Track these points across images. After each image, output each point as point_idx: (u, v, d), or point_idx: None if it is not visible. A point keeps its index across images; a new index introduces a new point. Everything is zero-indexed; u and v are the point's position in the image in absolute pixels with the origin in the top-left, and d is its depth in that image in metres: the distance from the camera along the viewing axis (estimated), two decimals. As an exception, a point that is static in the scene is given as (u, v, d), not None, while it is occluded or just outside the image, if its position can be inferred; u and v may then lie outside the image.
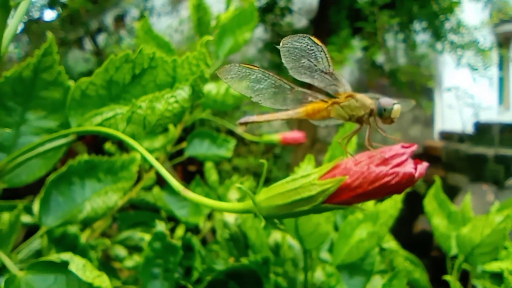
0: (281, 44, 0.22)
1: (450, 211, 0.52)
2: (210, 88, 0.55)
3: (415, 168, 0.19)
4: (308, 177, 0.20)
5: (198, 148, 0.67)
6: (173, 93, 0.22)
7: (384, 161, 0.19)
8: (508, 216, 0.38)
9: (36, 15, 3.38)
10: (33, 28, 3.46)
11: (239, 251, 0.39)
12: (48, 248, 0.36)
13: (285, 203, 0.19)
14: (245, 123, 0.26)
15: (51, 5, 3.46)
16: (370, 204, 0.45)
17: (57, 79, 0.27)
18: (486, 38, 2.62)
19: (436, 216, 0.50)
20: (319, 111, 0.25)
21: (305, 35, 0.22)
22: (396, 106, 0.23)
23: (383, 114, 0.23)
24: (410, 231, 2.02)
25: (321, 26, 2.33)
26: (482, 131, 3.09)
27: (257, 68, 0.23)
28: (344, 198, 0.19)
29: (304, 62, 0.23)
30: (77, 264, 0.20)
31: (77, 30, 3.59)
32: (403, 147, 0.20)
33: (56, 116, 0.27)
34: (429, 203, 0.51)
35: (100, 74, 0.23)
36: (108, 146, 0.65)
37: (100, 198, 0.32)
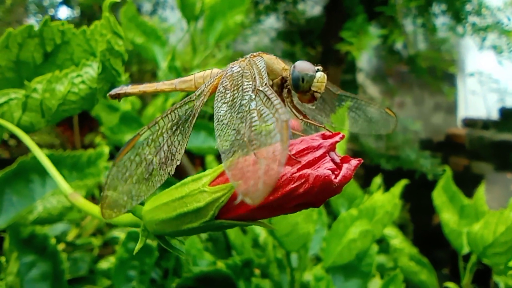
0: None
1: (463, 204, 0.47)
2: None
3: (337, 169, 0.13)
4: (199, 181, 0.15)
5: (193, 140, 0.64)
6: (79, 71, 0.18)
7: (290, 160, 0.13)
8: (525, 211, 0.33)
9: (50, 12, 3.42)
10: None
11: (220, 252, 0.35)
12: (10, 250, 0.33)
13: (170, 218, 0.15)
14: (117, 95, 0.20)
15: (66, 2, 3.49)
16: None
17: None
18: (510, 19, 2.47)
19: (446, 211, 0.45)
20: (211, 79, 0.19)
21: None
22: (319, 74, 0.16)
23: (300, 86, 0.16)
24: (429, 223, 1.94)
25: (335, 13, 2.25)
26: (508, 117, 2.95)
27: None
28: (241, 212, 0.14)
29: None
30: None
31: (92, 26, 3.62)
32: (324, 137, 0.14)
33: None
34: (438, 196, 0.46)
35: (0, 53, 0.19)
36: (98, 140, 0.62)
37: (55, 197, 0.29)
